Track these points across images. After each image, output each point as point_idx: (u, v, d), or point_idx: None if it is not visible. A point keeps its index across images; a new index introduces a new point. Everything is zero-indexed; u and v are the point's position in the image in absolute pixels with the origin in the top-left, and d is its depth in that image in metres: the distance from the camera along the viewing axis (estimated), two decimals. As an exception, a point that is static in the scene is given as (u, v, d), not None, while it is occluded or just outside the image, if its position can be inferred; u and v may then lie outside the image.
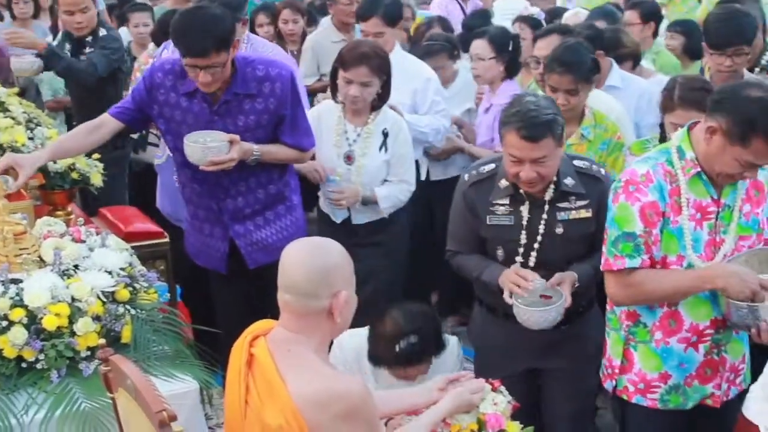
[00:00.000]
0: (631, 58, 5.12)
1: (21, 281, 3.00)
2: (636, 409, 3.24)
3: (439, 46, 5.35)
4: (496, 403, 3.00)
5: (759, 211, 3.11)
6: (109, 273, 3.13)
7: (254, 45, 4.80)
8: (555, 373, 3.57)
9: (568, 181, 3.35)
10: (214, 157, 3.64)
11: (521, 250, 3.39)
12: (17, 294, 2.94)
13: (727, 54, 4.11)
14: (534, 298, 3.33)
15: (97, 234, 3.40)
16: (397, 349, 3.39)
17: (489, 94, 5.05)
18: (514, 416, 3.05)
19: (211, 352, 3.31)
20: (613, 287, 3.11)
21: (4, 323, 2.88)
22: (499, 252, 3.44)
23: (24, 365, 2.91)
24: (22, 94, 5.53)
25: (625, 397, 3.25)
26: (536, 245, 3.38)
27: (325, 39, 6.05)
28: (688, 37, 5.83)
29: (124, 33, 6.90)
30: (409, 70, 4.81)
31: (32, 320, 2.91)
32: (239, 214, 3.92)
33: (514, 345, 3.54)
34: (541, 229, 3.37)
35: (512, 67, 5.00)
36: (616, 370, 3.25)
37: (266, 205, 3.94)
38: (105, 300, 3.04)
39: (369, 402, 2.50)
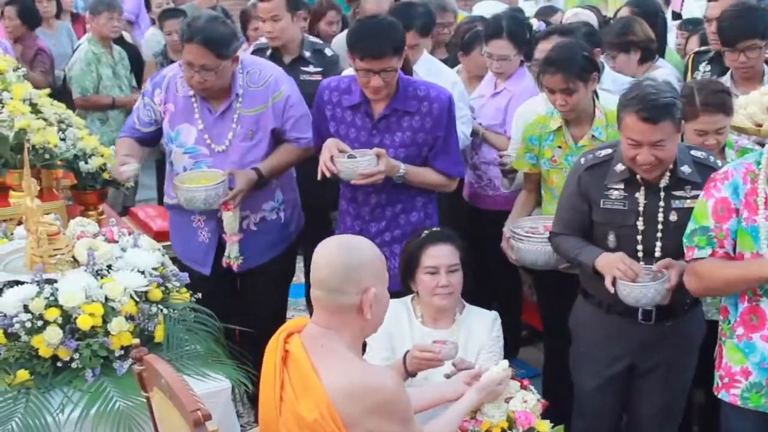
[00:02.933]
0: (639, 50, 4.91)
1: (55, 281, 3.03)
2: (723, 406, 3.18)
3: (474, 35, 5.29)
4: (526, 400, 3.02)
5: None
6: (142, 273, 3.16)
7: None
8: (652, 368, 3.53)
9: (685, 168, 3.31)
10: (363, 170, 3.67)
11: (640, 237, 3.35)
12: (52, 294, 2.98)
13: (738, 50, 4.09)
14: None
15: (129, 234, 3.44)
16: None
17: (496, 79, 4.91)
18: (545, 415, 3.06)
19: (242, 351, 3.33)
20: (685, 276, 3.15)
21: (40, 323, 2.92)
22: (611, 237, 3.40)
23: (59, 364, 2.96)
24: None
25: (717, 394, 3.19)
26: (659, 234, 3.34)
27: None
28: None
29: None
30: (434, 73, 4.79)
31: (67, 320, 2.95)
32: (378, 239, 3.90)
33: (617, 340, 3.51)
34: (660, 216, 3.32)
35: (528, 54, 4.87)
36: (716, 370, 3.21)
37: (405, 233, 3.92)
38: (138, 300, 3.08)
39: (403, 395, 2.53)
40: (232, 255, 4.00)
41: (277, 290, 4.36)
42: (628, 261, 3.26)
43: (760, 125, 3.61)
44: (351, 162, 3.69)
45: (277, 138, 4.09)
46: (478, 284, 3.70)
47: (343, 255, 2.53)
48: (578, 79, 3.83)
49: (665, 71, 4.85)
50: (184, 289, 3.32)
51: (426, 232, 3.60)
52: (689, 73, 4.95)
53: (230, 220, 3.93)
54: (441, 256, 3.48)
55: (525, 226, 3.96)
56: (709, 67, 4.82)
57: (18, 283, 3.03)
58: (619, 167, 3.34)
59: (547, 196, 4.11)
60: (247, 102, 3.98)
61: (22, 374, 2.92)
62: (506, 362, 3.10)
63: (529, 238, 3.85)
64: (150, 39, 7.67)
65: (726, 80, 4.28)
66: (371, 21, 3.81)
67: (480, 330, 3.52)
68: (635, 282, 3.22)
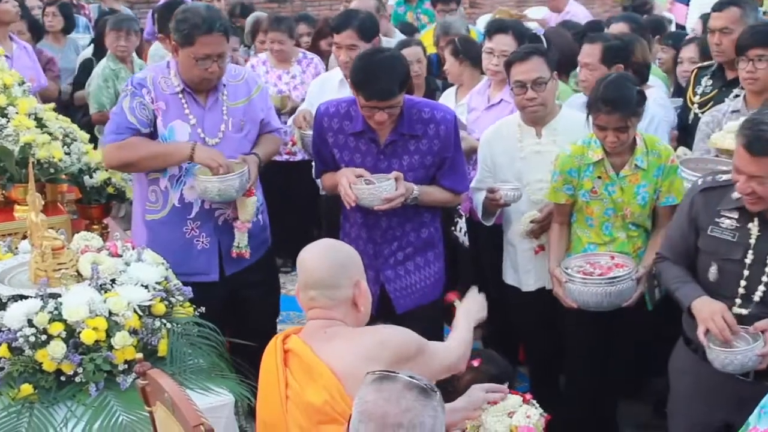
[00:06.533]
0: (633, 72, 4.56)
1: (59, 296, 3.05)
2: None
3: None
4: (529, 415, 3.01)
5: None
6: (146, 287, 3.17)
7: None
8: None
9: None
10: (387, 195, 3.68)
11: (746, 273, 3.09)
12: (56, 308, 2.99)
13: (749, 58, 4.09)
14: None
15: (133, 248, 3.45)
16: None
17: (489, 90, 4.85)
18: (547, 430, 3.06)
19: (246, 365, 3.34)
20: None
21: (44, 337, 2.93)
22: (712, 269, 3.16)
23: (63, 378, 2.97)
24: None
25: None
26: (765, 278, 3.07)
27: None
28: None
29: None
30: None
31: (70, 334, 2.96)
32: (392, 258, 3.96)
33: (713, 394, 3.24)
34: None
35: None
36: None
37: (417, 249, 3.97)
38: (141, 314, 3.09)
39: (405, 334, 2.67)
40: (242, 244, 4.00)
41: (267, 305, 4.38)
42: (729, 318, 3.03)
43: None
44: (373, 188, 3.70)
45: (260, 130, 4.16)
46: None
47: (330, 254, 2.71)
48: (633, 115, 3.71)
49: (655, 90, 4.80)
50: (188, 303, 3.34)
51: None
52: (690, 88, 4.93)
53: (252, 205, 3.97)
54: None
55: (573, 265, 3.87)
56: (710, 82, 4.81)
57: (22, 297, 3.05)
58: (736, 194, 3.09)
59: (582, 226, 3.98)
60: (232, 95, 4.02)
61: (26, 388, 2.92)
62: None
63: (584, 281, 3.75)
64: (154, 54, 7.70)
65: (739, 102, 4.24)
66: (375, 58, 3.71)
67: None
68: (725, 345, 3.02)
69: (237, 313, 4.19)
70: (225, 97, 3.99)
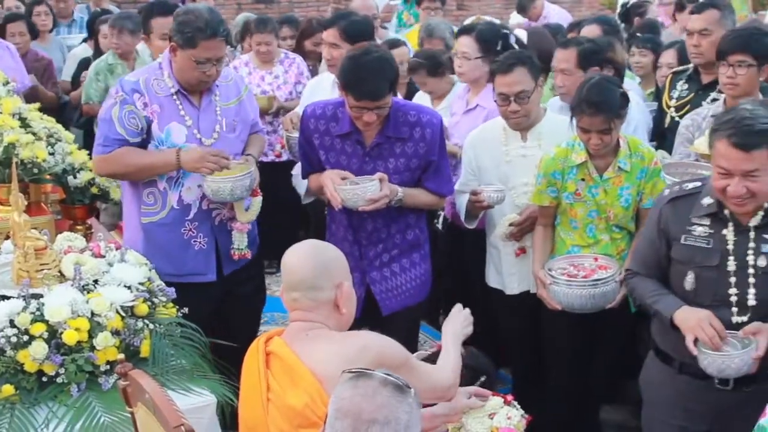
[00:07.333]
0: (614, 70, 4.65)
1: (41, 296, 3.04)
2: None
3: (416, 63, 5.25)
4: (510, 417, 3.03)
5: None
6: (128, 288, 3.17)
7: None
8: None
9: None
10: (372, 195, 3.69)
11: (733, 280, 3.04)
12: (38, 309, 2.99)
13: (728, 63, 4.09)
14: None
15: (117, 249, 3.44)
16: None
17: (467, 95, 4.86)
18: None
19: (228, 366, 3.34)
20: None
21: (25, 338, 2.93)
22: (689, 278, 3.10)
23: (44, 379, 2.97)
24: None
25: None
26: (751, 279, 3.02)
27: None
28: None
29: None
30: None
31: (52, 335, 2.96)
32: (378, 260, 3.97)
33: (691, 405, 3.19)
34: (751, 260, 3.01)
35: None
36: None
37: (403, 251, 3.99)
38: (124, 315, 3.09)
39: (389, 343, 2.65)
40: (243, 245, 4.03)
41: (253, 304, 4.40)
42: (717, 324, 2.98)
43: None
44: (357, 188, 3.71)
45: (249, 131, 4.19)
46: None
47: (313, 255, 2.70)
48: (617, 117, 3.71)
49: (632, 94, 4.81)
50: (171, 304, 3.33)
51: None
52: (666, 92, 4.95)
53: (257, 205, 4.01)
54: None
55: (557, 267, 3.88)
56: (686, 86, 4.83)
57: (4, 297, 3.04)
58: (707, 201, 3.06)
59: (566, 228, 3.98)
60: (224, 96, 4.03)
61: (7, 389, 2.92)
62: None
63: (569, 283, 3.75)
64: (143, 51, 7.68)
65: (719, 105, 4.25)
66: (364, 59, 3.70)
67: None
68: (719, 350, 2.97)
69: (225, 311, 4.19)
70: (218, 98, 4.01)
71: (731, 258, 3.03)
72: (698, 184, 3.15)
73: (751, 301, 3.03)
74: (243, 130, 4.10)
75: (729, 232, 3.04)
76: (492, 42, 4.73)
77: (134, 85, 3.90)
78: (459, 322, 3.12)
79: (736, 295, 3.04)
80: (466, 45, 4.73)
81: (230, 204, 3.97)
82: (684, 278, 3.11)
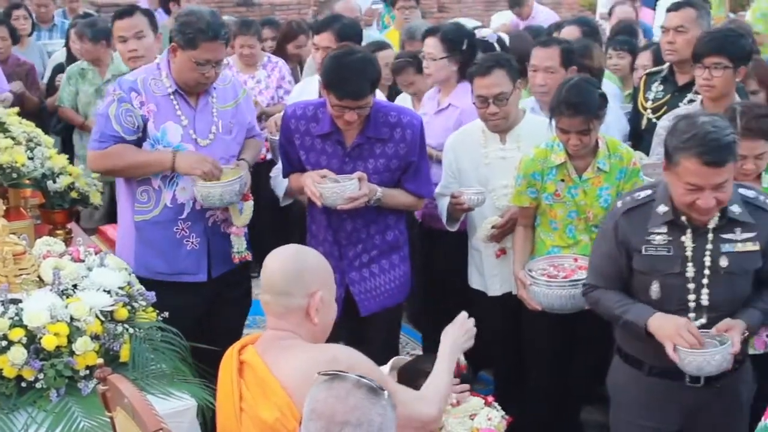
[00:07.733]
0: (591, 76, 4.55)
1: (20, 301, 3.04)
2: None
3: (404, 62, 5.29)
4: (490, 418, 3.04)
5: None
6: (108, 292, 3.17)
7: None
8: (703, 430, 3.25)
9: (735, 209, 3.04)
10: (351, 194, 3.71)
11: (690, 286, 3.07)
12: (17, 314, 2.98)
13: (704, 65, 4.11)
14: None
15: (96, 253, 3.44)
16: None
17: (438, 95, 4.84)
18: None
19: (209, 370, 3.33)
20: None
21: (4, 343, 2.92)
22: (654, 287, 3.11)
23: (23, 384, 2.95)
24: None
25: None
26: (705, 281, 3.06)
27: None
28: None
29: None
30: None
31: (31, 340, 2.95)
32: (357, 260, 3.99)
33: (663, 406, 3.22)
34: (708, 261, 3.05)
35: (466, 67, 4.59)
36: None
37: (382, 252, 4.01)
38: (103, 319, 3.08)
39: (359, 358, 2.57)
40: (242, 249, 4.04)
41: (241, 307, 4.37)
42: (695, 330, 3.00)
43: None
44: (337, 186, 3.73)
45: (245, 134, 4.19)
46: (431, 306, 3.71)
47: (290, 260, 2.64)
48: (595, 118, 3.73)
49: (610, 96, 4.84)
50: (151, 309, 3.33)
51: None
52: (641, 94, 4.97)
53: (250, 209, 4.02)
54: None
55: (537, 268, 3.89)
56: (662, 87, 4.85)
57: (-18, 303, 3.03)
58: (662, 209, 3.08)
59: (545, 229, 4.00)
60: (221, 98, 4.04)
61: (-14, 395, 2.91)
62: None
63: (548, 283, 3.76)
64: (117, 57, 7.66)
65: (696, 106, 4.27)
66: (347, 59, 3.73)
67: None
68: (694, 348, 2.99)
69: (214, 313, 4.18)
70: (214, 100, 4.01)
71: (690, 264, 3.06)
72: (649, 192, 3.16)
73: (704, 302, 3.07)
74: (239, 133, 4.11)
75: (687, 238, 3.07)
76: (457, 42, 4.71)
77: (132, 84, 3.92)
78: (460, 333, 2.97)
79: (694, 300, 3.09)
80: (431, 46, 4.74)
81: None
82: (649, 287, 3.13)
